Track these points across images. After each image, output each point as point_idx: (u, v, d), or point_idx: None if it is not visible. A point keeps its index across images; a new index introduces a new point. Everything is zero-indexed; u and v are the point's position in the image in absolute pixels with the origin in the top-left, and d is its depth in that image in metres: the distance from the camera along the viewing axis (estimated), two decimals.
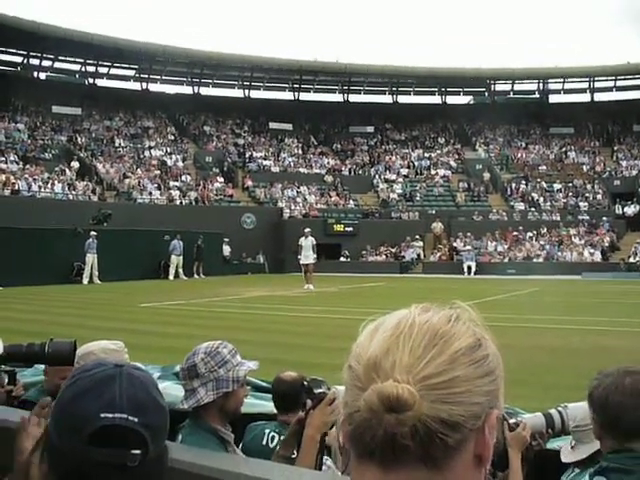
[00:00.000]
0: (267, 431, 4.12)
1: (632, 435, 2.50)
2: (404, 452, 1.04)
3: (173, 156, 51.47)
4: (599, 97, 62.75)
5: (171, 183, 46.91)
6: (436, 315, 1.13)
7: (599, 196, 52.03)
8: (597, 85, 62.48)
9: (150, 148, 51.61)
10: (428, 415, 1.03)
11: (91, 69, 57.63)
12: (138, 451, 1.38)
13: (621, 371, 2.59)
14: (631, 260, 43.26)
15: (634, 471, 2.40)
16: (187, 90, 61.14)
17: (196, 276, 39.07)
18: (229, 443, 3.36)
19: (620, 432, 2.53)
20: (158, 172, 47.98)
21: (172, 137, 54.93)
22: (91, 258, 33.65)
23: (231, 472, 2.28)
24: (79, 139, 49.50)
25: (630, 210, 49.89)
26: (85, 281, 33.45)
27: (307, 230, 32.02)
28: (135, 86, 59.67)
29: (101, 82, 58.51)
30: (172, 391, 4.84)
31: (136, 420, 1.39)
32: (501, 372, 1.15)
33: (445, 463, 1.05)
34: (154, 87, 60.05)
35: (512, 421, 3.17)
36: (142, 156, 50.29)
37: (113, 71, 59.01)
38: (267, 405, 4.69)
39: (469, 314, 1.17)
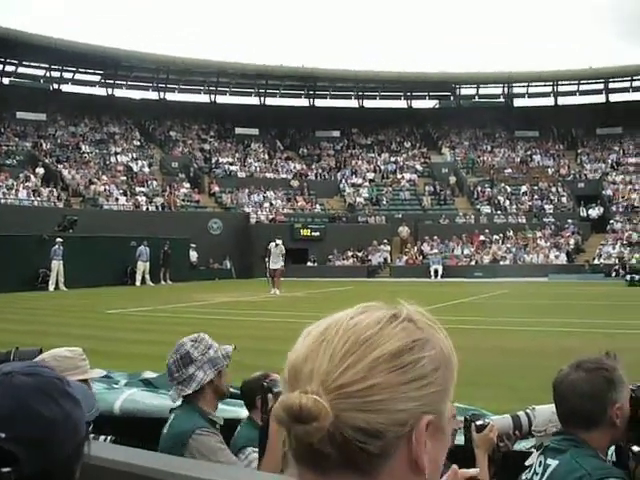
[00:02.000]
0: None
1: (568, 421, 2.79)
2: (326, 459, 1.04)
3: (139, 162, 51.21)
4: (563, 101, 63.36)
5: (137, 189, 46.66)
6: (369, 318, 1.11)
7: (564, 199, 52.48)
8: (561, 89, 63.07)
9: (116, 154, 51.30)
10: (346, 424, 1.02)
11: (56, 74, 57.06)
12: (8, 468, 1.25)
13: (573, 366, 2.84)
14: (595, 262, 43.69)
15: (566, 450, 2.70)
16: (153, 95, 60.86)
17: (163, 282, 38.88)
18: (217, 427, 3.64)
19: (562, 418, 2.84)
20: (124, 178, 47.71)
21: (138, 143, 54.65)
22: (57, 265, 33.39)
23: (176, 474, 2.25)
24: (44, 145, 49.09)
25: (594, 212, 50.41)
26: (51, 288, 33.19)
27: (278, 241, 32.18)
28: (100, 91, 59.20)
29: (66, 87, 57.94)
30: (139, 397, 4.82)
31: (2, 436, 1.26)
32: (443, 374, 1.12)
33: (373, 470, 1.05)
34: (119, 92, 59.68)
35: (479, 423, 3.20)
36: (108, 162, 49.97)
37: (78, 76, 58.48)
38: (236, 411, 4.66)
39: (411, 314, 1.14)
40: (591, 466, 2.61)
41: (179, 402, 3.69)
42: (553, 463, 2.72)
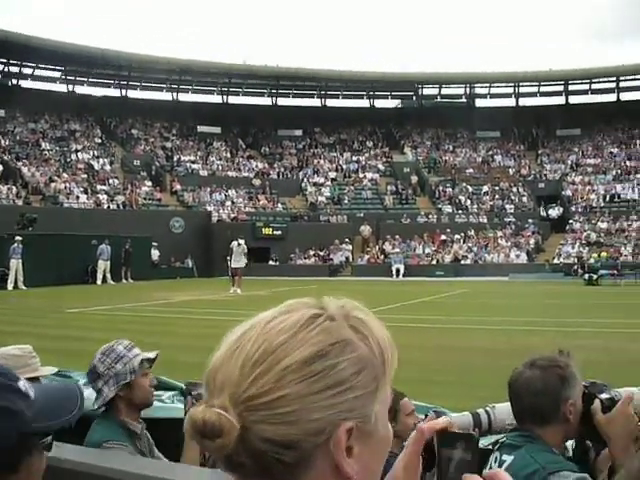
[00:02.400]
0: None
1: (523, 419, 2.85)
2: (243, 468, 1.02)
3: (100, 159, 50.80)
4: (524, 102, 64.05)
5: (98, 187, 46.29)
6: (286, 321, 1.07)
7: (524, 199, 52.98)
8: (522, 90, 63.71)
9: (77, 151, 50.84)
10: (256, 436, 0.99)
11: (14, 69, 56.48)
12: None
13: (528, 364, 2.90)
14: (555, 261, 44.15)
15: (521, 446, 2.77)
16: (114, 93, 60.48)
17: (124, 281, 38.63)
18: (137, 435, 3.56)
19: (517, 416, 2.89)
20: (85, 176, 47.30)
21: (99, 140, 54.17)
22: (15, 263, 32.99)
23: (112, 469, 2.25)
24: (2, 141, 48.46)
25: (554, 212, 50.99)
26: (10, 287, 32.81)
27: (241, 241, 32.16)
28: (61, 88, 58.68)
29: (25, 83, 57.37)
30: None
31: None
32: (370, 375, 1.07)
33: (293, 478, 1.02)
34: (81, 89, 59.20)
35: None
36: (69, 159, 49.49)
37: (38, 72, 57.88)
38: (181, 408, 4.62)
39: (335, 312, 1.09)
40: (545, 460, 2.67)
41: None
42: (508, 459, 2.77)
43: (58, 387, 1.62)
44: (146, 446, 3.65)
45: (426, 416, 3.38)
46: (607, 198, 51.48)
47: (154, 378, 3.71)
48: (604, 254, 43.34)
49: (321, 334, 1.05)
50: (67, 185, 44.66)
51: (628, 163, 55.27)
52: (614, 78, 60.96)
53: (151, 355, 3.64)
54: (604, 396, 2.80)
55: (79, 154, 50.55)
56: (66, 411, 1.48)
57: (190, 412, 1.02)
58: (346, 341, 1.06)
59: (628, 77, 61.27)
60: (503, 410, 3.23)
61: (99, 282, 37.09)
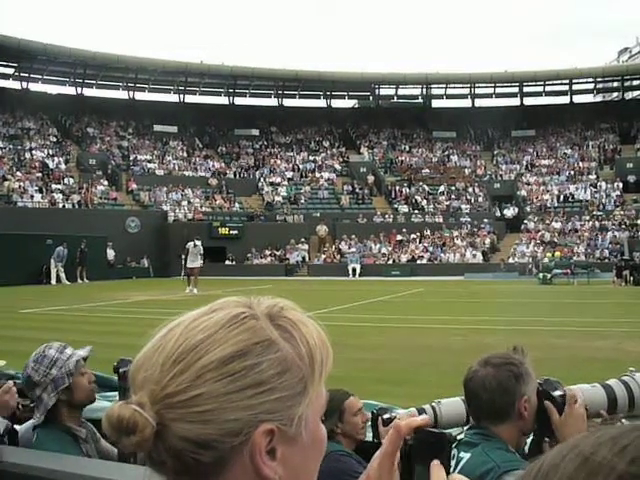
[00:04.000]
0: None
1: (479, 416, 2.89)
2: (163, 466, 1.01)
3: (55, 158, 50.28)
4: (479, 103, 64.57)
5: (53, 186, 45.82)
6: (210, 320, 1.06)
7: (480, 199, 53.39)
8: (478, 91, 64.21)
9: (31, 150, 50.27)
10: (174, 434, 0.99)
11: None
12: None
13: (482, 362, 2.92)
14: (510, 261, 44.54)
15: (477, 444, 2.80)
16: (70, 91, 59.80)
17: (80, 281, 38.31)
18: (83, 440, 3.46)
19: (474, 414, 2.93)
20: (40, 174, 46.80)
21: (54, 139, 53.63)
22: None
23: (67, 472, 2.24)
24: None
25: (509, 212, 51.51)
26: None
27: (197, 242, 32.02)
28: (15, 85, 57.93)
29: None
30: None
31: None
32: (296, 376, 1.05)
33: (213, 478, 1.01)
34: (35, 87, 58.42)
35: (386, 416, 3.27)
36: (23, 158, 48.91)
37: None
38: None
39: (259, 312, 1.08)
40: (500, 459, 2.70)
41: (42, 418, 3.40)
42: (465, 456, 2.80)
43: None
44: (93, 448, 3.53)
45: (373, 414, 3.42)
46: (561, 198, 52.16)
47: (92, 374, 3.56)
48: (558, 254, 43.84)
49: (243, 333, 1.04)
50: (21, 184, 44.15)
51: (581, 164, 56.08)
52: (567, 81, 61.85)
53: (83, 353, 3.48)
54: (557, 393, 2.84)
55: (33, 152, 49.99)
56: None
57: (107, 409, 1.01)
58: (269, 341, 1.05)
59: (581, 80, 62.28)
60: (450, 406, 3.28)
61: (53, 282, 36.77)
